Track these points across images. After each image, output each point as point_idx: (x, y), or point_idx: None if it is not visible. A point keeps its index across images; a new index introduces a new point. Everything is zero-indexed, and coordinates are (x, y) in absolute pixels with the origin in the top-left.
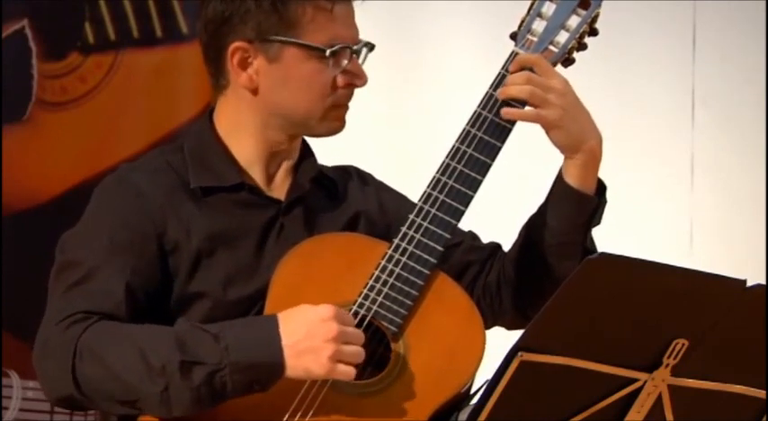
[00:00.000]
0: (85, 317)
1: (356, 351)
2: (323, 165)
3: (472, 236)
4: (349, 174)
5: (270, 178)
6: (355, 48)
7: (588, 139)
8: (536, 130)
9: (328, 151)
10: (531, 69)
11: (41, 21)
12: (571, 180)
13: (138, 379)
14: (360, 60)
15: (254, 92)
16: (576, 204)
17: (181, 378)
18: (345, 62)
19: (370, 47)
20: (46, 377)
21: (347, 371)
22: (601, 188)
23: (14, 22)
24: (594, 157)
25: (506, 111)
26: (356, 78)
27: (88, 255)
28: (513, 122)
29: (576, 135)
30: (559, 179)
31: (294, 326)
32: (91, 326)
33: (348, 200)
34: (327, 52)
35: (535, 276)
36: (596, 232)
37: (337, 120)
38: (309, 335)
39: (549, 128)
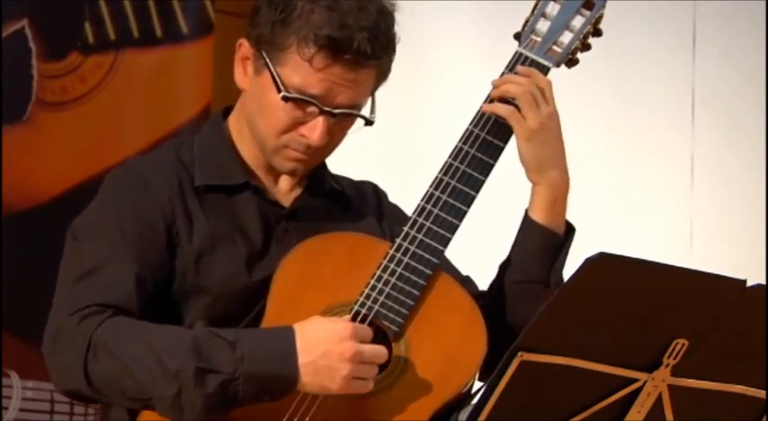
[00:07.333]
0: (99, 310)
1: (372, 368)
2: (341, 177)
3: (463, 279)
4: (366, 191)
5: (274, 184)
6: (326, 109)
7: (554, 168)
8: None
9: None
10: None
11: (41, 21)
12: (536, 216)
13: (151, 380)
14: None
15: (244, 92)
16: (540, 241)
17: (194, 384)
18: (299, 114)
19: (366, 121)
20: (57, 369)
21: (362, 387)
22: (569, 230)
23: (14, 22)
24: (560, 193)
25: (486, 107)
26: (308, 135)
27: (99, 245)
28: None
29: (544, 157)
30: (526, 215)
31: (311, 342)
32: (105, 321)
33: (361, 215)
34: (280, 96)
35: (500, 317)
36: (596, 231)
37: (288, 160)
38: (326, 354)
39: (522, 136)
